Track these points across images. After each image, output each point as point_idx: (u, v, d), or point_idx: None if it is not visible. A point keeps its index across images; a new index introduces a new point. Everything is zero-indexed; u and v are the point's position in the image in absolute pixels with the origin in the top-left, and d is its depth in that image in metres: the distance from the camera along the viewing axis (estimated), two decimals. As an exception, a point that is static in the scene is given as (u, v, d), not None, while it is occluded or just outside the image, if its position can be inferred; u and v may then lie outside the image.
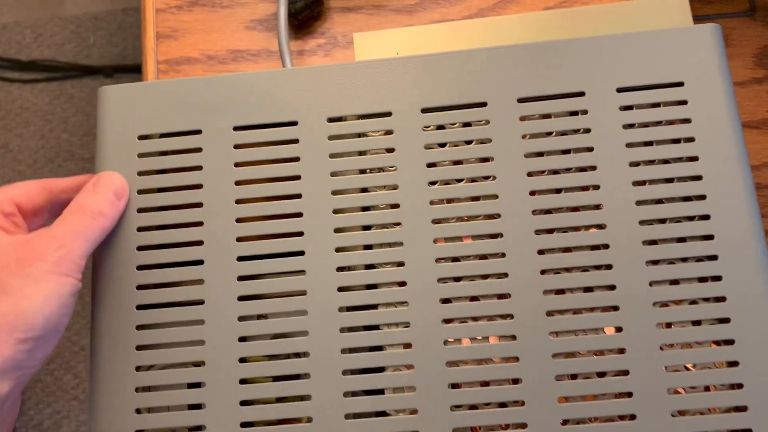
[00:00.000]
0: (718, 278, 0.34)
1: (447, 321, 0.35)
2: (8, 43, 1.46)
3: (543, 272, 0.35)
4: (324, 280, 0.35)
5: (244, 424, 0.34)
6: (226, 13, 0.58)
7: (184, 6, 0.58)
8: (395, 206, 0.36)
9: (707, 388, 0.34)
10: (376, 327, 0.35)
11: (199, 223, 0.37)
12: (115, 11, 1.46)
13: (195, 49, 0.57)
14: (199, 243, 0.36)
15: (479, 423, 0.34)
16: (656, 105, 0.37)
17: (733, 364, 0.33)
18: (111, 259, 0.36)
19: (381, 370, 0.35)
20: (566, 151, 0.37)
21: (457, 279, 0.35)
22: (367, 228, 0.36)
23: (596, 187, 0.36)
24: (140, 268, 0.36)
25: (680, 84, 0.37)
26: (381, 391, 0.34)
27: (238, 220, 0.37)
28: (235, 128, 0.38)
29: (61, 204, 0.36)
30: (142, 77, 0.55)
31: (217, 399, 0.34)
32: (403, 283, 0.35)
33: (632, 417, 0.34)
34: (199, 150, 0.38)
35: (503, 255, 0.35)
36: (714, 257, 0.35)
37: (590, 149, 0.36)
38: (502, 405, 0.34)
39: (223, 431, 0.34)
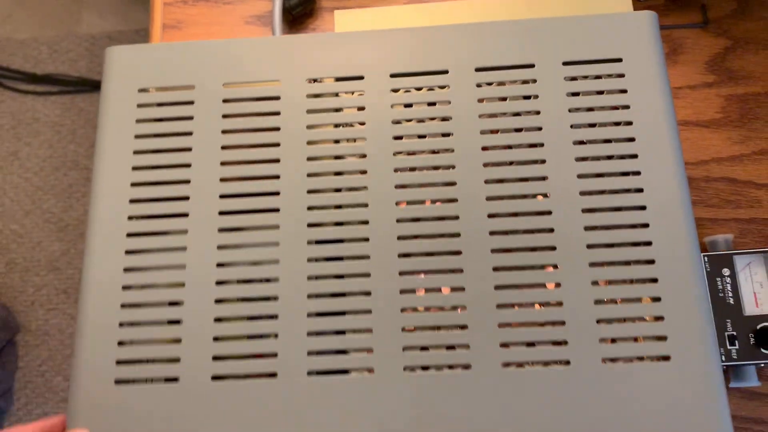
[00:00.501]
0: (646, 225, 0.38)
1: (404, 273, 0.38)
2: (25, 57, 1.53)
3: (492, 233, 0.39)
4: (296, 217, 0.39)
5: (215, 370, 0.38)
6: (227, 8, 0.64)
7: (189, 1, 0.64)
8: (363, 156, 0.41)
9: (635, 340, 0.37)
10: (341, 276, 0.39)
11: (188, 165, 0.41)
12: (128, 31, 1.54)
13: (196, 39, 0.62)
14: (187, 182, 0.41)
15: (428, 363, 0.37)
16: (598, 77, 0.41)
17: (656, 299, 0.37)
18: (105, 198, 0.41)
19: (342, 314, 0.38)
20: (516, 114, 0.41)
21: (415, 236, 0.39)
22: (338, 173, 0.41)
23: (541, 145, 0.40)
24: (132, 204, 0.40)
25: (619, 60, 0.41)
26: (342, 332, 0.38)
27: (223, 164, 0.41)
28: (224, 84, 0.42)
29: None
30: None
31: (194, 332, 0.38)
32: (366, 239, 0.39)
33: (567, 362, 0.37)
34: (191, 102, 0.42)
35: (457, 218, 0.39)
36: (643, 207, 0.39)
37: (537, 112, 0.41)
38: (450, 348, 0.38)
39: (197, 374, 0.37)
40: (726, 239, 0.54)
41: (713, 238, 0.54)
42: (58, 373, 1.36)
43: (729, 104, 0.59)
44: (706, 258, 0.52)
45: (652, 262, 0.38)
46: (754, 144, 0.58)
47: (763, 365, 0.52)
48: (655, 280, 0.38)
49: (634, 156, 0.40)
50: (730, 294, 0.51)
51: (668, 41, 0.61)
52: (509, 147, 0.41)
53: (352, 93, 0.42)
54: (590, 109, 0.41)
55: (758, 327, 0.50)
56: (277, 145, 0.41)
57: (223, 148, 0.42)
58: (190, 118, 0.42)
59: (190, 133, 0.42)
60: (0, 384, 1.31)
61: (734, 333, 0.50)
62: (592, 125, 0.41)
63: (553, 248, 0.38)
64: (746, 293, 0.51)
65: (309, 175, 0.41)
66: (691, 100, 0.59)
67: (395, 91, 0.42)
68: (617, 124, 0.41)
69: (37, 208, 1.45)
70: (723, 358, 0.50)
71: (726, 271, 0.51)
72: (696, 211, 0.57)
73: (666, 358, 0.37)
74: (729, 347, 0.50)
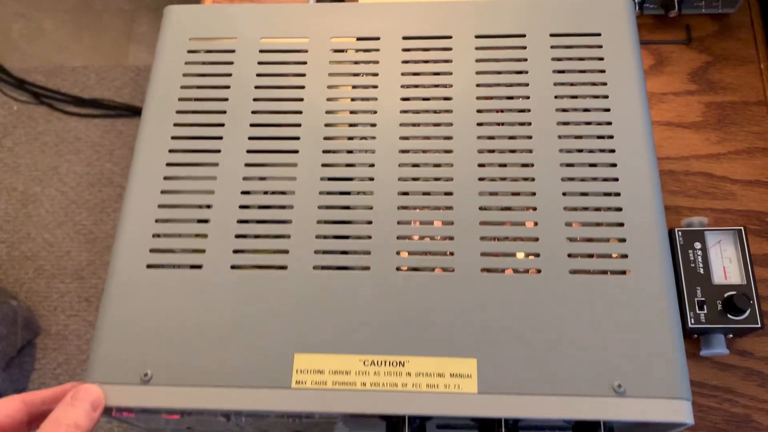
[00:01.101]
0: (614, 165, 0.45)
1: (403, 207, 0.44)
2: (74, 83, 1.65)
3: (481, 179, 0.45)
4: (313, 153, 0.46)
5: (234, 261, 0.44)
6: None
7: None
8: (374, 112, 0.48)
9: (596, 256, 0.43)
10: (347, 193, 0.45)
11: (225, 99, 0.48)
12: (171, 65, 1.66)
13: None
14: (223, 111, 0.48)
15: (417, 265, 0.43)
16: (579, 47, 0.49)
17: (619, 225, 0.43)
18: (156, 112, 0.48)
19: (347, 222, 0.44)
20: (509, 82, 0.48)
21: (416, 179, 0.45)
22: (352, 125, 0.47)
23: (527, 97, 0.47)
24: (176, 125, 0.48)
25: (598, 34, 0.49)
26: (345, 237, 0.44)
27: (255, 99, 0.48)
28: (262, 38, 0.50)
29: (41, 415, 0.39)
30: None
31: (219, 229, 0.44)
32: (372, 165, 0.46)
33: (538, 270, 0.43)
34: (232, 51, 0.50)
35: (452, 165, 0.45)
36: (612, 150, 0.45)
37: (525, 72, 0.48)
38: (437, 254, 0.43)
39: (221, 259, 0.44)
40: (701, 221, 0.59)
41: (689, 219, 0.59)
42: (72, 377, 1.41)
43: (708, 110, 0.66)
44: (680, 232, 0.57)
45: (618, 194, 0.44)
46: (730, 145, 0.64)
47: (730, 333, 0.56)
48: (619, 209, 0.43)
49: (607, 110, 0.46)
50: (701, 265, 0.56)
51: (655, 54, 0.68)
52: (501, 111, 0.47)
53: (369, 51, 0.50)
54: (570, 71, 0.48)
55: (725, 295, 0.55)
56: (302, 87, 0.49)
57: (257, 87, 0.49)
58: (231, 63, 0.50)
59: (229, 74, 0.49)
60: (15, 383, 1.36)
61: (703, 299, 0.55)
62: (570, 85, 0.48)
63: (534, 189, 0.44)
64: (716, 266, 0.56)
65: (327, 113, 0.48)
66: (674, 105, 0.66)
67: (406, 50, 0.49)
68: (592, 84, 0.47)
69: (70, 220, 1.53)
70: (692, 321, 0.54)
71: (698, 245, 0.57)
72: (675, 199, 0.63)
73: (624, 272, 0.42)
74: (698, 311, 0.55)
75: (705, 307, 0.55)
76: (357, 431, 0.49)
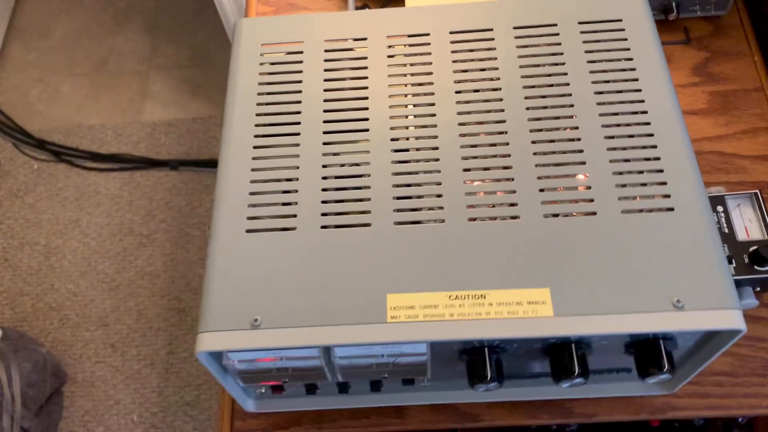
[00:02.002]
0: (647, 123, 0.51)
1: (466, 170, 0.51)
2: (92, 140, 1.72)
3: (533, 142, 0.51)
4: (382, 131, 0.52)
5: (323, 222, 0.49)
6: None
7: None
8: (430, 83, 0.54)
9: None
10: (415, 171, 0.51)
11: (299, 91, 0.55)
12: (186, 119, 1.74)
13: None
14: (298, 102, 0.54)
15: (486, 215, 0.48)
16: (604, 31, 0.56)
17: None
18: (239, 107, 0.54)
19: (417, 185, 0.50)
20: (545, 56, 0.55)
21: (475, 155, 0.52)
22: (415, 105, 0.54)
23: (566, 85, 0.54)
24: (258, 115, 0.54)
25: (619, 20, 0.56)
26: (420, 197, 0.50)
27: (326, 90, 0.55)
28: (326, 40, 0.57)
29: None
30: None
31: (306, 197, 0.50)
32: (436, 136, 0.52)
33: (514, 216, 0.48)
34: (300, 52, 0.57)
35: (506, 132, 0.52)
36: (645, 112, 0.52)
37: (561, 54, 0.55)
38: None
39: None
40: (718, 189, 0.65)
41: (708, 189, 0.65)
42: (100, 424, 1.42)
43: (713, 98, 0.73)
44: (702, 198, 0.63)
45: (654, 147, 0.50)
46: (736, 126, 0.71)
47: (758, 286, 0.61)
48: (658, 158, 0.50)
49: (635, 80, 0.53)
50: (725, 225, 0.62)
51: (660, 54, 0.76)
52: (543, 86, 0.54)
53: (422, 45, 0.57)
54: (600, 51, 0.55)
55: (750, 249, 0.60)
56: (365, 77, 0.55)
57: (326, 80, 0.55)
58: (300, 62, 0.56)
59: (300, 71, 0.56)
60: (46, 431, 1.36)
61: (730, 254, 0.61)
62: (603, 61, 0.55)
63: (582, 148, 0.51)
64: (738, 226, 0.62)
65: (390, 97, 0.54)
66: (682, 96, 0.73)
67: (454, 42, 0.57)
68: (618, 60, 0.55)
69: (93, 269, 1.57)
70: (723, 274, 0.60)
71: (720, 208, 0.63)
72: (693, 176, 0.69)
73: (672, 209, 0.48)
74: (728, 266, 0.60)
75: (733, 261, 0.60)
76: (440, 381, 0.53)
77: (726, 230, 0.62)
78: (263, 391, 0.56)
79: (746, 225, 0.62)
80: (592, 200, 0.49)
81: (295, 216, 0.49)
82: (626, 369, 0.54)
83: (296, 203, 0.50)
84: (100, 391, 1.45)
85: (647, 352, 0.47)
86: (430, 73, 0.55)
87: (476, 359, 0.48)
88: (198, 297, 1.53)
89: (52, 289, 1.56)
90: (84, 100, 1.79)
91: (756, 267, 0.60)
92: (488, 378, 0.47)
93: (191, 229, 1.60)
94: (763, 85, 0.73)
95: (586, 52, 0.55)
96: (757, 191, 0.63)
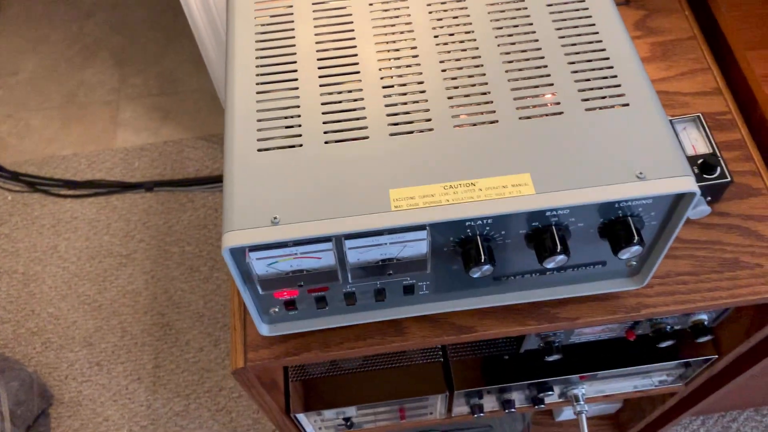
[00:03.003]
0: (600, 41, 0.59)
1: (451, 88, 0.58)
2: (66, 169, 1.75)
3: (506, 62, 0.59)
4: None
5: (325, 138, 0.55)
6: None
7: None
8: (409, 24, 0.62)
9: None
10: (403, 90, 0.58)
11: (292, 37, 0.61)
12: (158, 143, 1.78)
13: None
14: (293, 45, 0.61)
15: (471, 122, 0.55)
16: (555, -25, 0.64)
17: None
18: (241, 39, 0.60)
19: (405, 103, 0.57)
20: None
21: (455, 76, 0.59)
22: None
23: (530, 24, 0.62)
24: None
25: (567, -35, 0.65)
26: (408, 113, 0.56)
27: (317, 35, 0.61)
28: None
29: None
30: None
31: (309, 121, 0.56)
32: (419, 64, 0.59)
33: (493, 121, 0.56)
34: (291, 6, 0.64)
35: (480, 57, 0.59)
36: (597, 32, 0.60)
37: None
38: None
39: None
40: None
41: (657, 119, 0.74)
42: (90, 441, 1.41)
43: (654, 48, 0.82)
44: (653, 124, 0.71)
45: (608, 59, 0.58)
46: (676, 70, 0.81)
47: (708, 195, 0.69)
48: (611, 67, 0.58)
49: (586, 8, 0.62)
50: (675, 144, 0.70)
51: (604, 15, 0.85)
52: (514, 26, 0.62)
53: (398, -4, 0.64)
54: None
55: (699, 161, 0.69)
56: (351, 22, 0.62)
57: (316, 27, 0.62)
58: (292, 14, 0.63)
59: (292, 21, 0.63)
60: (33, 452, 1.36)
61: (682, 167, 0.69)
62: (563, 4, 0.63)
63: (545, 63, 0.58)
64: (686, 144, 0.70)
65: (375, 36, 0.61)
66: (626, 48, 0.82)
67: (426, -8, 0.64)
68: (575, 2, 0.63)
69: (73, 292, 1.58)
70: (678, 184, 0.68)
71: (669, 131, 0.71)
72: (643, 113, 0.78)
73: (627, 105, 0.55)
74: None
75: (685, 172, 0.68)
76: (437, 293, 0.59)
77: (676, 148, 0.70)
78: (276, 310, 0.60)
79: (693, 143, 0.71)
80: (558, 103, 0.56)
81: (300, 135, 0.55)
82: (602, 262, 0.61)
83: (300, 125, 0.56)
84: (87, 409, 1.45)
85: (618, 230, 0.54)
86: (409, 16, 0.63)
87: (470, 247, 0.54)
88: (181, 311, 1.55)
89: (33, 314, 1.56)
90: (56, 132, 1.83)
91: (705, 176, 0.68)
92: (482, 260, 0.53)
93: (170, 246, 1.63)
94: (695, 35, 0.83)
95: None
96: (699, 114, 0.72)
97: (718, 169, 0.68)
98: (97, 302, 1.57)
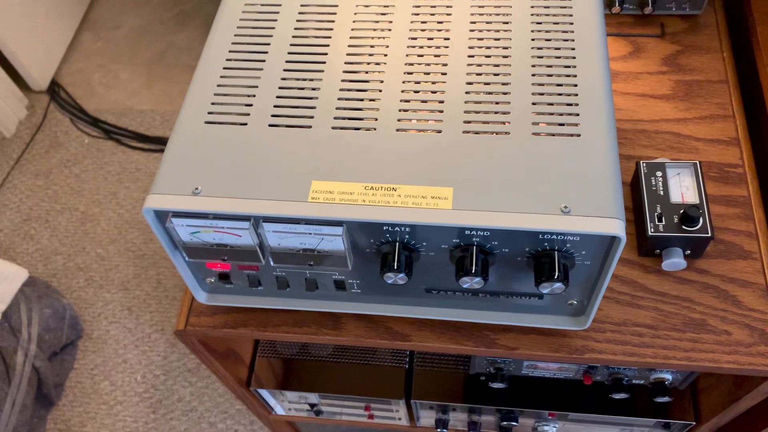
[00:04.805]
0: (573, 66, 0.57)
1: (405, 92, 0.57)
2: (141, 123, 1.86)
3: (468, 80, 0.57)
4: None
5: (272, 121, 0.56)
6: None
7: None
8: (388, 27, 0.61)
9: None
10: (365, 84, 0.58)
11: (272, 27, 0.63)
12: (227, 112, 1.86)
13: None
14: (270, 35, 0.62)
15: (414, 128, 0.54)
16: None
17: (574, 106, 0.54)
18: (227, 16, 0.62)
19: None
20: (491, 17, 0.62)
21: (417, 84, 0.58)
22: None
23: (508, 39, 0.60)
24: (233, 44, 0.62)
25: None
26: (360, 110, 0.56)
27: (296, 28, 0.62)
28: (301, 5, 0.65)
29: None
30: None
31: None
32: (383, 72, 0.59)
33: (438, 131, 0.54)
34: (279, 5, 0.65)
35: (446, 74, 0.58)
36: (573, 57, 0.57)
37: (509, 6, 0.61)
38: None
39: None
40: (663, 159, 0.69)
41: (654, 159, 0.70)
42: (106, 378, 1.50)
43: (677, 86, 0.77)
44: (644, 164, 0.67)
45: (574, 83, 0.56)
46: (696, 112, 0.75)
47: (687, 248, 0.64)
48: (576, 95, 0.55)
49: (572, 32, 0.59)
50: (661, 189, 0.66)
51: (633, 44, 0.81)
52: (493, 39, 0.60)
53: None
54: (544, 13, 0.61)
55: (681, 211, 0.64)
56: (333, 19, 0.63)
57: (298, 20, 0.63)
58: (278, 13, 0.64)
59: (277, 11, 0.64)
60: (55, 377, 1.46)
61: (662, 213, 0.64)
62: (546, 17, 0.61)
63: (508, 81, 0.56)
64: (674, 191, 0.66)
65: (353, 30, 0.61)
66: (648, 82, 0.78)
67: (416, 6, 0.64)
68: (561, 23, 0.60)
69: (122, 237, 1.68)
70: (652, 230, 0.64)
71: (659, 173, 0.67)
72: (645, 151, 0.73)
73: (579, 135, 0.53)
74: (657, 222, 0.64)
75: (663, 219, 0.64)
76: (370, 294, 0.59)
77: (661, 192, 0.66)
78: (212, 280, 0.62)
79: (683, 191, 0.66)
80: (509, 123, 0.54)
81: (248, 115, 0.57)
82: (538, 295, 0.58)
83: (251, 105, 0.57)
84: (111, 349, 1.54)
85: (542, 262, 0.52)
86: (392, 13, 0.62)
87: (387, 252, 0.53)
88: (214, 274, 1.61)
89: (83, 251, 1.67)
90: (139, 87, 1.94)
91: (684, 226, 0.64)
92: (395, 267, 0.52)
93: (217, 211, 1.70)
94: (727, 78, 0.77)
95: (532, 9, 0.61)
96: (698, 162, 0.67)
97: (700, 221, 0.63)
98: (141, 251, 1.66)
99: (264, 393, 0.92)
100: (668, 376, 0.71)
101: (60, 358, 1.49)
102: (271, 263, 0.57)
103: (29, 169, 1.82)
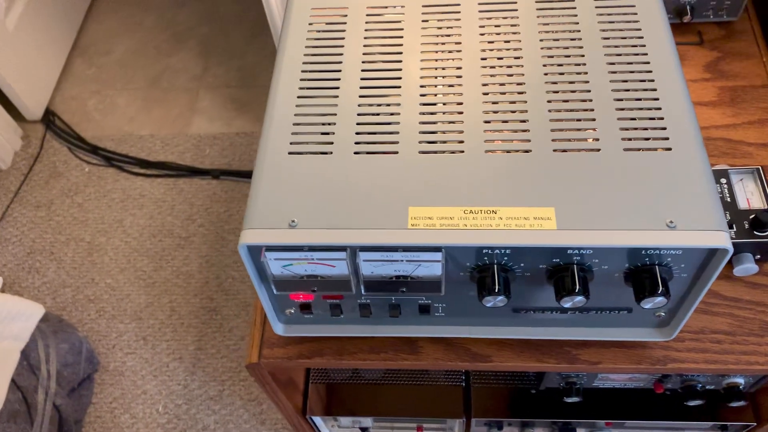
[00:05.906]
0: (652, 81, 0.57)
1: (486, 112, 0.57)
2: (141, 148, 1.83)
3: (549, 94, 0.58)
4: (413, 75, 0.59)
5: (355, 149, 0.56)
6: None
7: None
8: (458, 43, 0.61)
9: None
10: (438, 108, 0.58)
11: (342, 45, 0.62)
12: (230, 133, 1.84)
13: None
14: (341, 54, 0.61)
15: (502, 149, 0.54)
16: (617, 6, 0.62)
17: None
18: (289, 56, 0.61)
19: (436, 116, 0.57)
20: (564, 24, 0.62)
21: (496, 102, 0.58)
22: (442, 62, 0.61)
23: (581, 57, 0.60)
24: (305, 63, 0.61)
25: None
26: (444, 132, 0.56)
27: (365, 46, 0.62)
28: (368, 6, 0.65)
29: None
30: None
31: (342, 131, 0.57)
32: (461, 94, 0.59)
33: (527, 150, 0.54)
34: (345, 15, 0.65)
35: (525, 93, 0.58)
36: (650, 71, 0.58)
37: (576, 23, 0.62)
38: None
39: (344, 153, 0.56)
40: (723, 166, 0.70)
41: (715, 165, 0.70)
42: (126, 411, 1.46)
43: (722, 92, 0.79)
44: (707, 172, 0.68)
45: (655, 96, 0.56)
46: (743, 117, 0.77)
47: (758, 253, 0.65)
48: (659, 108, 0.55)
49: (644, 45, 0.59)
50: (728, 195, 0.67)
51: (674, 53, 0.82)
52: (565, 56, 0.61)
53: (452, 13, 0.64)
54: (612, 23, 0.62)
55: (751, 216, 0.65)
56: (401, 35, 0.62)
57: (366, 38, 0.63)
58: (344, 23, 0.64)
59: (344, 31, 0.63)
60: (75, 413, 1.42)
61: (732, 220, 0.65)
62: (615, 30, 0.61)
63: (591, 97, 0.57)
64: (740, 197, 0.67)
65: (422, 53, 0.61)
66: (693, 89, 0.79)
67: (482, 12, 0.64)
68: (629, 30, 0.61)
69: (131, 266, 1.65)
70: (724, 237, 0.64)
71: (724, 180, 0.68)
72: (701, 158, 0.74)
73: (670, 149, 0.53)
74: (728, 230, 0.65)
75: (734, 226, 0.65)
76: (453, 316, 0.58)
77: (728, 199, 0.67)
78: (292, 311, 0.61)
79: (748, 197, 0.67)
80: (598, 139, 0.54)
81: (332, 143, 0.56)
82: (627, 309, 0.58)
83: (333, 134, 0.57)
84: (129, 380, 1.51)
85: (644, 278, 0.52)
86: (460, 35, 0.62)
87: (485, 276, 0.53)
88: (230, 298, 1.59)
89: (92, 282, 1.64)
90: (137, 112, 1.91)
91: (755, 232, 0.64)
92: (496, 290, 0.52)
93: (228, 234, 1.68)
94: (770, 83, 0.79)
95: (600, 25, 0.62)
96: (759, 167, 0.68)
97: (771, 227, 0.64)
98: (152, 279, 1.63)
99: (317, 420, 0.91)
100: (741, 381, 0.71)
101: (78, 393, 1.46)
102: (363, 291, 0.56)
103: (29, 201, 1.78)
